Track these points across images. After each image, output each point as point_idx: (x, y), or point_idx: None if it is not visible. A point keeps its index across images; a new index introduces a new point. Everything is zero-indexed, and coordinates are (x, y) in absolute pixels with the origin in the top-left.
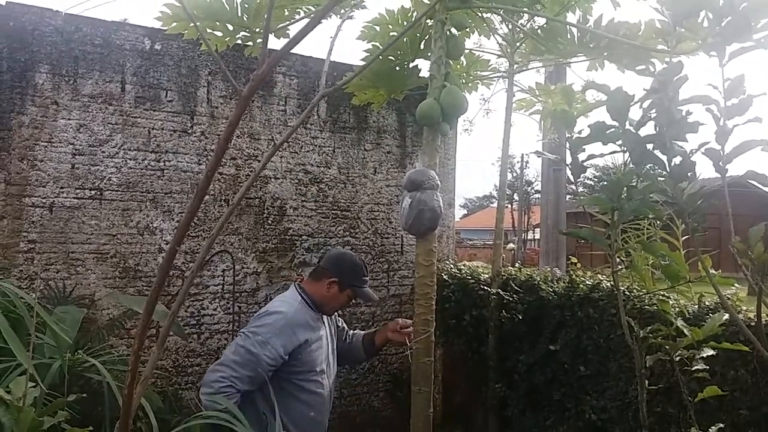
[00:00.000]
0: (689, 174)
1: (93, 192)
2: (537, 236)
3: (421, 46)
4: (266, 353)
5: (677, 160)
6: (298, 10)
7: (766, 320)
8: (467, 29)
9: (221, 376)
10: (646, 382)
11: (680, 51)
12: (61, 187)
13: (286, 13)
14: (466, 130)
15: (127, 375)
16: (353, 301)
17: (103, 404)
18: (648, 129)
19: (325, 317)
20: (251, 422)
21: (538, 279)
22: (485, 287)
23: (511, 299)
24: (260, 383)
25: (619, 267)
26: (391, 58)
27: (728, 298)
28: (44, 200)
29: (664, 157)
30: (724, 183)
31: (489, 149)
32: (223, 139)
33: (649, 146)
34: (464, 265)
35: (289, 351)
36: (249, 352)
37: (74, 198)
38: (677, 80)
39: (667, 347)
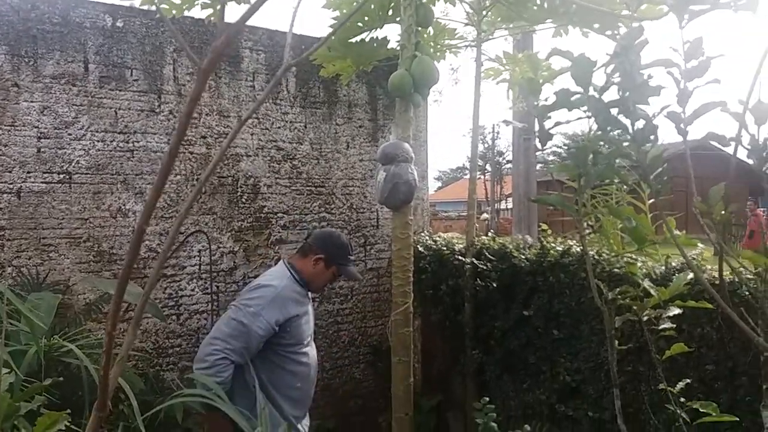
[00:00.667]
0: (652, 137)
1: (62, 176)
2: (510, 206)
3: (390, 12)
4: (258, 325)
5: (640, 123)
6: None
7: (728, 278)
8: None
9: (215, 349)
10: (616, 342)
11: (643, 16)
12: (28, 172)
13: None
14: (436, 101)
15: (101, 356)
16: (338, 278)
17: (82, 388)
18: (612, 94)
19: (309, 294)
20: (240, 394)
21: (511, 247)
22: (460, 257)
23: (485, 268)
24: (252, 355)
25: (588, 231)
26: (360, 25)
27: (693, 259)
28: (11, 186)
29: (627, 122)
30: (686, 145)
31: (460, 120)
32: (184, 114)
33: (614, 111)
34: (439, 237)
35: (280, 323)
36: (241, 324)
37: (42, 182)
38: (638, 44)
39: (635, 308)
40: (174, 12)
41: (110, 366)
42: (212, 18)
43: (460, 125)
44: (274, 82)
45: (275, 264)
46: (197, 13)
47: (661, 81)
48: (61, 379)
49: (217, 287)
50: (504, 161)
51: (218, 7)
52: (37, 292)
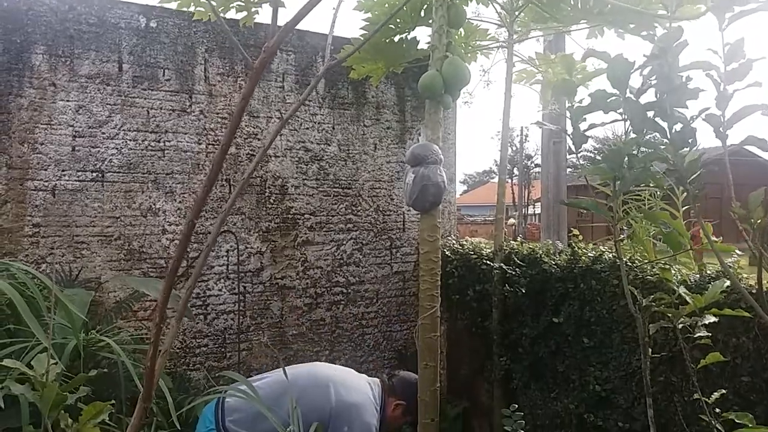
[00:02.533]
0: (690, 140)
1: (94, 174)
2: (537, 211)
3: (422, 14)
4: None
5: (678, 127)
6: None
7: (767, 286)
8: None
9: None
10: (650, 350)
11: (681, 16)
12: (63, 170)
13: None
14: (466, 102)
15: (143, 350)
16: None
17: (116, 383)
18: (648, 96)
19: None
20: None
21: (540, 252)
22: (488, 262)
23: (513, 273)
24: None
25: (621, 237)
26: (391, 27)
27: (729, 266)
28: (46, 183)
29: (664, 125)
30: (725, 148)
31: (488, 123)
32: (237, 112)
33: (650, 114)
34: (466, 241)
35: None
36: None
37: (76, 180)
38: (677, 46)
39: (670, 315)
40: (209, 15)
41: (157, 358)
42: (245, 22)
43: (487, 128)
44: (314, 83)
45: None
46: (231, 14)
47: (699, 83)
48: (105, 370)
49: (244, 288)
50: (532, 165)
51: (252, 10)
52: (70, 288)
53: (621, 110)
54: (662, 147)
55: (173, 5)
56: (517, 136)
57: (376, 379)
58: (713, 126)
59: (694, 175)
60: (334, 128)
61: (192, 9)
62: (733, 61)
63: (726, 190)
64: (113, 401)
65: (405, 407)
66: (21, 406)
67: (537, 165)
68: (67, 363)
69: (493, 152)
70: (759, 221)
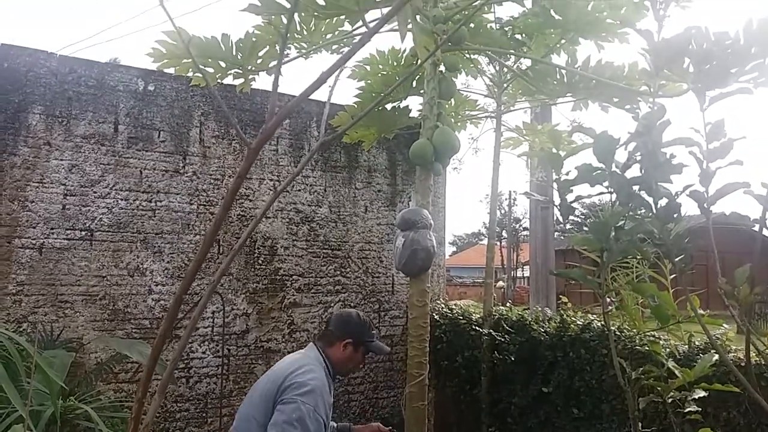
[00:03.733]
0: (675, 215)
1: (83, 233)
2: (526, 273)
3: (413, 85)
4: (320, 428)
5: (663, 201)
6: (289, 46)
7: (755, 361)
8: (458, 69)
9: None
10: (640, 424)
11: (665, 94)
12: (52, 228)
13: (277, 49)
14: (455, 168)
15: (129, 422)
16: (366, 357)
17: None
18: (634, 170)
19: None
20: None
21: (530, 319)
22: (477, 328)
23: (503, 339)
24: None
25: (610, 308)
26: (384, 95)
27: (717, 338)
28: (34, 241)
29: (650, 199)
30: (709, 224)
31: (477, 186)
32: (231, 190)
33: (636, 187)
34: (455, 305)
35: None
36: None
37: (64, 239)
38: (660, 124)
39: (659, 389)
40: (207, 81)
41: None
42: (242, 88)
43: (476, 190)
44: (308, 157)
45: (305, 348)
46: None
47: (682, 156)
48: None
49: (229, 350)
50: (521, 228)
51: (249, 77)
52: (51, 349)
53: (607, 183)
54: (648, 220)
55: (172, 70)
56: (506, 199)
57: (309, 344)
58: (697, 202)
59: (680, 249)
60: (325, 190)
61: (190, 74)
62: (714, 139)
63: (713, 259)
64: None
65: (353, 342)
66: None
67: (525, 228)
68: (43, 431)
69: (482, 214)
70: (745, 298)
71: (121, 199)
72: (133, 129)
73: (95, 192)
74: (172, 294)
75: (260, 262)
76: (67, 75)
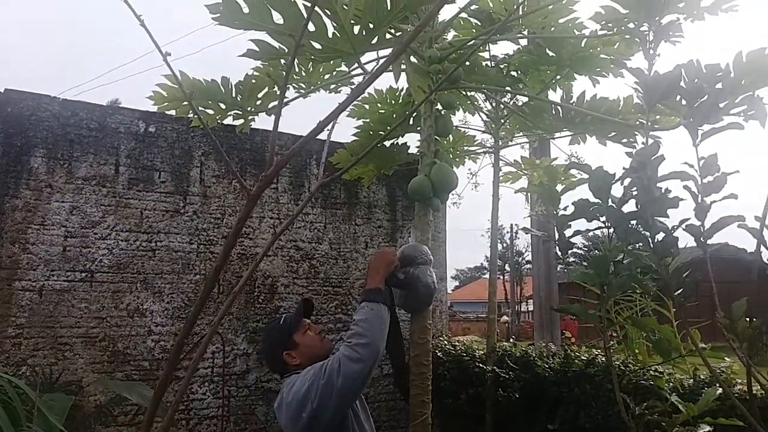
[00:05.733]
0: (672, 250)
1: (84, 274)
2: (530, 307)
3: (410, 122)
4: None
5: (660, 236)
6: (288, 86)
7: (759, 393)
8: (454, 107)
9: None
10: None
11: (659, 128)
12: (52, 270)
13: (276, 91)
14: (455, 203)
15: None
16: (320, 331)
17: None
18: (631, 205)
19: None
20: None
21: (534, 355)
22: (481, 365)
23: (507, 376)
24: None
25: (612, 343)
26: (381, 133)
27: (722, 371)
28: (34, 284)
29: (647, 234)
30: (707, 257)
31: (478, 219)
32: (232, 234)
33: (633, 222)
34: (458, 341)
35: None
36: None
37: (65, 281)
38: (654, 160)
39: (664, 424)
40: (207, 122)
41: None
42: (242, 129)
43: (478, 224)
44: (308, 198)
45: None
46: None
47: (677, 190)
48: None
49: (229, 391)
50: (523, 261)
51: (249, 118)
52: (50, 392)
53: (604, 218)
54: (646, 254)
55: (173, 112)
56: (507, 233)
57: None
58: (694, 236)
59: (679, 285)
60: (326, 227)
61: (191, 115)
62: (708, 174)
63: (717, 289)
64: None
65: (286, 350)
66: None
67: (528, 261)
68: None
69: (484, 248)
70: (743, 332)
71: (122, 240)
72: (134, 170)
73: (96, 233)
74: (172, 335)
75: (260, 300)
76: (69, 118)
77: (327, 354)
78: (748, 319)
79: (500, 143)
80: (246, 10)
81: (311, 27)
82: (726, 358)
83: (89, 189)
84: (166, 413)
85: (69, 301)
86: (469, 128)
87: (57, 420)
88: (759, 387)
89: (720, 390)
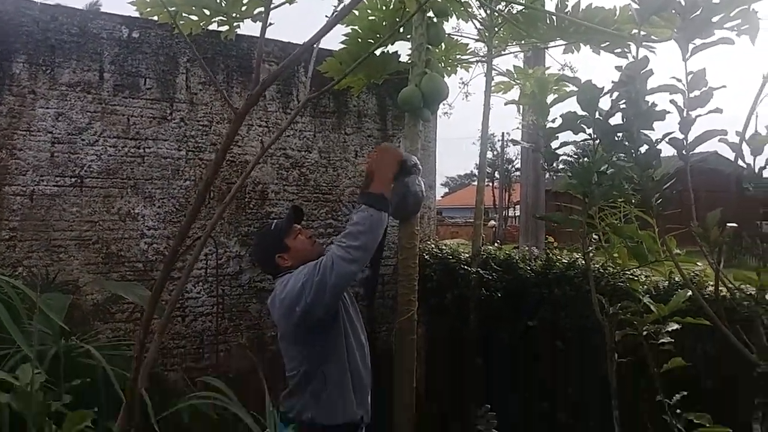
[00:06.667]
0: (654, 162)
1: (73, 180)
2: (518, 213)
3: (401, 30)
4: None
5: (643, 149)
6: None
7: (727, 295)
8: (447, 15)
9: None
10: (616, 355)
11: (652, 39)
12: (41, 176)
13: None
14: (445, 113)
15: (133, 362)
16: (311, 236)
17: (97, 389)
18: (618, 119)
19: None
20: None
21: (517, 258)
22: (466, 266)
23: (490, 277)
24: None
25: (591, 248)
26: (371, 41)
27: (696, 275)
28: (24, 188)
29: (631, 146)
30: (687, 170)
31: (469, 127)
32: (220, 151)
33: (619, 134)
34: (445, 245)
35: None
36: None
37: (54, 186)
38: (643, 74)
39: (636, 323)
40: (192, 29)
41: (139, 374)
42: (227, 35)
43: (469, 133)
44: (295, 113)
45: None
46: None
47: (663, 104)
48: (88, 379)
49: (223, 290)
50: (513, 169)
51: (234, 24)
52: (48, 292)
53: (590, 131)
54: (629, 166)
55: (156, 18)
56: (498, 141)
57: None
58: (676, 149)
59: (658, 195)
60: (315, 136)
61: (170, 22)
62: (695, 89)
63: (698, 197)
64: (96, 408)
65: (280, 252)
66: (1, 415)
67: (517, 169)
68: (47, 369)
69: (474, 156)
70: (715, 240)
71: (110, 147)
72: (119, 77)
73: (83, 139)
74: (164, 238)
75: (251, 206)
76: (49, 23)
77: (318, 256)
78: (720, 227)
79: (493, 52)
80: None
81: None
82: (698, 263)
83: (74, 95)
84: (163, 312)
85: (60, 205)
86: (462, 36)
87: (57, 317)
88: (725, 289)
89: (690, 292)
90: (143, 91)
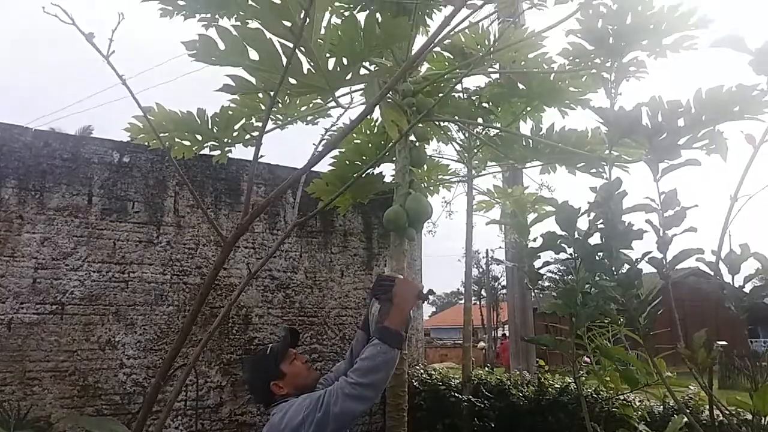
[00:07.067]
0: (636, 282)
1: (54, 307)
2: (507, 332)
3: (386, 154)
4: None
5: (624, 268)
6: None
7: (721, 419)
8: (428, 140)
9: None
10: None
11: (624, 160)
12: (21, 303)
13: (254, 121)
14: (430, 231)
15: None
16: (306, 361)
17: None
18: (597, 237)
19: None
20: None
21: (509, 383)
22: (457, 394)
23: (483, 405)
24: None
25: (582, 372)
26: (358, 163)
27: (690, 398)
28: (2, 317)
29: (611, 266)
30: (668, 288)
31: (454, 244)
32: (206, 282)
33: (600, 254)
34: (434, 370)
35: None
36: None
37: (34, 313)
38: (617, 194)
39: None
40: (184, 153)
41: None
42: (219, 160)
43: (453, 250)
44: (283, 238)
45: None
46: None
47: (641, 221)
48: None
49: (202, 425)
50: (499, 286)
51: (225, 149)
52: (20, 429)
53: (572, 250)
54: (611, 286)
55: (144, 142)
56: (483, 258)
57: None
58: (656, 268)
59: (644, 315)
60: (301, 256)
61: (168, 145)
62: (669, 208)
63: (689, 312)
64: None
65: (274, 380)
66: None
67: (504, 286)
68: None
69: (460, 273)
70: (703, 362)
71: (94, 272)
72: (107, 200)
73: (67, 265)
74: (144, 367)
75: (234, 331)
76: (42, 149)
77: (314, 384)
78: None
79: (473, 172)
80: (222, 47)
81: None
82: (692, 386)
83: (61, 220)
84: None
85: (38, 334)
86: (442, 157)
87: None
88: (720, 414)
89: (685, 419)
90: (131, 215)
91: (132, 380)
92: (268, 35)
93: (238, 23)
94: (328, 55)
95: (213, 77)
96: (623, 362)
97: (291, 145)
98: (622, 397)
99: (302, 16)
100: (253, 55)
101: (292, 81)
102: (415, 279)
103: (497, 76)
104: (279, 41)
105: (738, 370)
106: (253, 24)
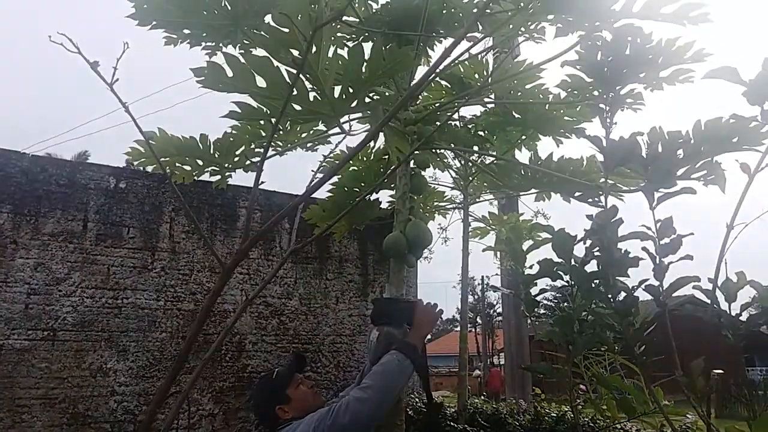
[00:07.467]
0: (633, 309)
1: (46, 333)
2: (503, 361)
3: (384, 180)
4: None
5: (621, 296)
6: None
7: None
8: (427, 166)
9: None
10: None
11: (621, 189)
12: (13, 329)
13: (253, 147)
14: (426, 257)
15: None
16: (312, 386)
17: None
18: (594, 265)
19: None
20: None
21: (504, 412)
22: (452, 423)
23: None
24: None
25: (578, 401)
26: (356, 190)
27: (688, 427)
28: None
29: (608, 294)
30: (666, 316)
31: (449, 271)
32: (206, 304)
33: (596, 281)
34: None
35: None
36: None
37: (25, 339)
38: (613, 222)
39: None
40: (183, 178)
41: None
42: (218, 185)
43: (449, 276)
44: (278, 267)
45: None
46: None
47: (637, 248)
48: None
49: None
50: (495, 313)
51: (226, 174)
52: None
53: (568, 277)
54: (608, 313)
55: (150, 168)
56: (478, 284)
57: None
58: (653, 296)
59: (641, 344)
60: (296, 282)
61: (168, 170)
62: (665, 236)
63: (685, 340)
64: None
65: (280, 405)
66: None
67: (499, 313)
68: None
69: (455, 300)
70: (701, 391)
71: (87, 297)
72: (103, 226)
73: (60, 290)
74: (135, 395)
75: (227, 359)
76: (38, 174)
77: (318, 409)
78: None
79: (469, 199)
80: (230, 74)
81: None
82: (689, 415)
83: (55, 245)
84: None
85: (29, 360)
86: (439, 184)
87: None
88: None
89: None
90: (126, 240)
91: (123, 408)
92: (276, 63)
93: (242, 51)
94: (332, 85)
95: (199, 105)
96: (620, 390)
97: (284, 170)
98: (619, 426)
99: (307, 45)
100: (260, 82)
101: (297, 107)
102: None
103: (492, 105)
104: (286, 69)
105: (735, 398)
106: (259, 52)
